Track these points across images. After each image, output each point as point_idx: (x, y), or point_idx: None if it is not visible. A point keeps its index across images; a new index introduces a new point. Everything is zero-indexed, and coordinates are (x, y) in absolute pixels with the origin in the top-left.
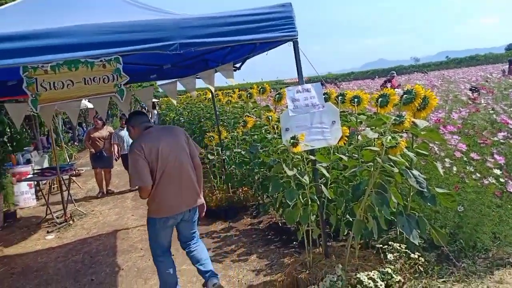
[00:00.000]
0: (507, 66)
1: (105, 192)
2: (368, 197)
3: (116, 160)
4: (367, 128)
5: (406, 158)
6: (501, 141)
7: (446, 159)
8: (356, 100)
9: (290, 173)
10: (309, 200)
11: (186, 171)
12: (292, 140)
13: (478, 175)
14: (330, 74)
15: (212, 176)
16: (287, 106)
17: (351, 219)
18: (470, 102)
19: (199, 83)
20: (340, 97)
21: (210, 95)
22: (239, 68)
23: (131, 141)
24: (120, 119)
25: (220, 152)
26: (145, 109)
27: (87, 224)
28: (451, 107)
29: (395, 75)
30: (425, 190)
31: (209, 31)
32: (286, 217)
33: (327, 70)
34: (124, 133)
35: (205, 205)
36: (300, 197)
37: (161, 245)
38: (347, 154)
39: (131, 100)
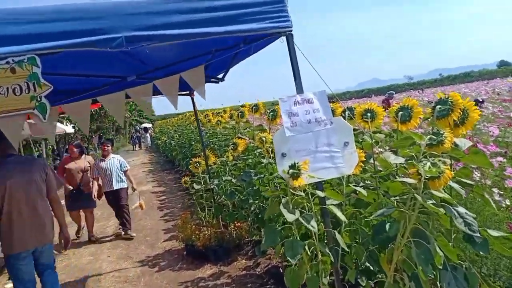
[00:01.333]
0: None
1: (90, 239)
2: (403, 248)
3: (98, 199)
4: (387, 150)
5: (447, 191)
6: None
7: (494, 189)
8: (369, 114)
9: (290, 218)
10: (319, 253)
11: (35, 208)
12: (291, 170)
13: None
14: (328, 94)
15: (199, 209)
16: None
17: (371, 268)
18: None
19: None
20: (347, 112)
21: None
22: (222, 80)
23: (116, 173)
24: (102, 144)
25: (208, 181)
26: (139, 132)
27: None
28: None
29: (394, 95)
30: (477, 234)
31: (168, 19)
32: (288, 280)
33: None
34: (108, 164)
35: (69, 239)
36: (306, 248)
37: (26, 281)
38: (362, 185)
39: (127, 123)
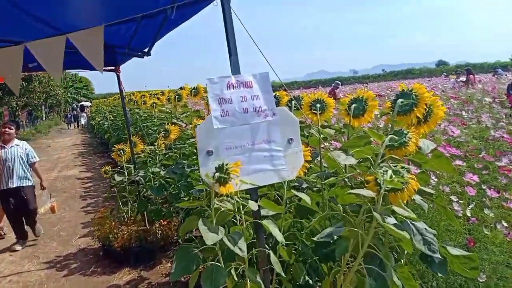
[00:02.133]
0: (461, 77)
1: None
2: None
3: None
4: (337, 149)
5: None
6: None
7: (453, 197)
8: (318, 105)
9: (210, 239)
10: (248, 280)
11: None
12: (218, 174)
13: (505, 224)
14: (275, 83)
15: (120, 203)
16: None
17: (310, 282)
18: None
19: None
20: (294, 102)
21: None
22: (148, 54)
23: (20, 166)
24: (3, 126)
25: (133, 171)
26: (76, 110)
27: None
28: None
29: (340, 85)
30: (437, 255)
31: None
32: None
33: (271, 79)
34: (9, 153)
35: None
36: (233, 271)
37: None
38: (305, 185)
39: (61, 101)
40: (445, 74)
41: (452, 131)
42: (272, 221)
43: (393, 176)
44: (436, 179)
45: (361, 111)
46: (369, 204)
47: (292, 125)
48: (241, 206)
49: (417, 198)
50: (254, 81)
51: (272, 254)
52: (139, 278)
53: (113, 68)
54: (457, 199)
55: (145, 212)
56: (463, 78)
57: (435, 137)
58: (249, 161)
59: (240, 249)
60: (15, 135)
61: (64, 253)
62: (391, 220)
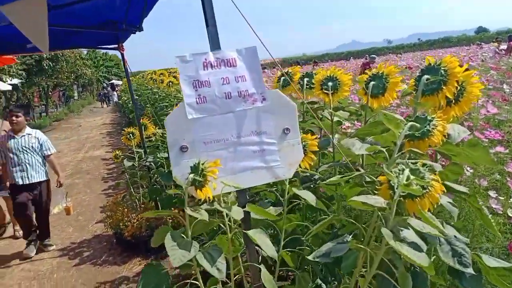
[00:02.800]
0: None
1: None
2: None
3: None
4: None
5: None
6: None
7: (491, 193)
8: (330, 84)
9: (178, 259)
10: None
11: None
12: (192, 176)
13: None
14: (305, 56)
15: (132, 189)
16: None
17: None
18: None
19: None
20: (306, 79)
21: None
22: (140, 29)
23: (32, 158)
24: (9, 114)
25: (143, 156)
26: (106, 89)
27: None
28: None
29: (376, 59)
30: (470, 270)
31: None
32: None
33: (301, 52)
34: (19, 143)
35: None
36: None
37: None
38: (317, 177)
39: (93, 80)
40: (478, 42)
41: (487, 109)
42: (262, 229)
43: (411, 177)
44: (471, 170)
45: (381, 89)
46: (380, 212)
47: (288, 112)
48: (224, 213)
49: (444, 201)
50: (238, 58)
51: (264, 270)
52: None
53: (116, 46)
54: (496, 194)
55: (156, 200)
56: (505, 46)
57: (472, 116)
58: (235, 158)
59: (218, 269)
60: (25, 122)
61: (79, 240)
62: (409, 234)
